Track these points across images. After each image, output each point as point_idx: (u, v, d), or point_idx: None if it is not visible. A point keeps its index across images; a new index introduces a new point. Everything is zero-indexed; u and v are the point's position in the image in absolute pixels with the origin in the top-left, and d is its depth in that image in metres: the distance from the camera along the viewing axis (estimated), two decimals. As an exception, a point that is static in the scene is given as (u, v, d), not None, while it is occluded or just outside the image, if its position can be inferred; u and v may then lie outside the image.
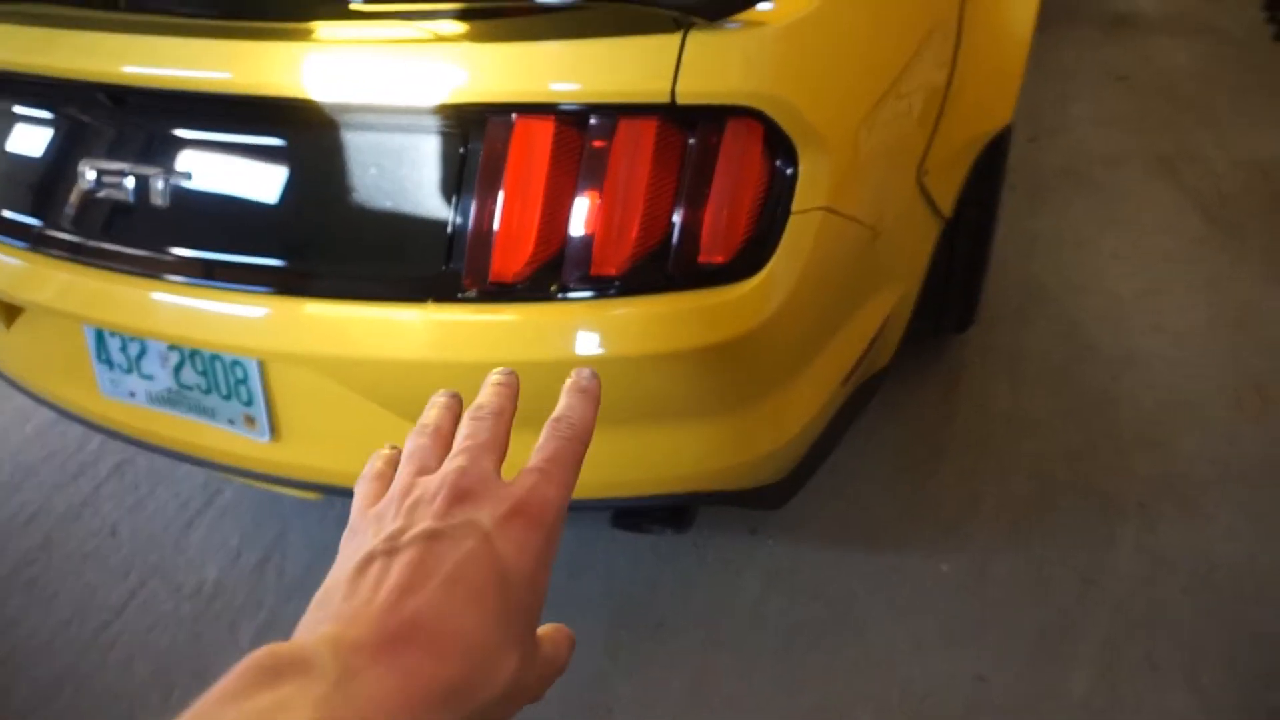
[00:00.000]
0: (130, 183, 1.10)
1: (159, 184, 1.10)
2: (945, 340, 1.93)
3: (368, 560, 0.41)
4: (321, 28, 0.99)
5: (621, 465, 1.16)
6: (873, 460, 1.72)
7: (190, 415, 1.25)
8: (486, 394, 0.50)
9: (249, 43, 1.02)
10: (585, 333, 1.00)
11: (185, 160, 1.09)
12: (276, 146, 1.06)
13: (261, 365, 1.16)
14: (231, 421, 1.23)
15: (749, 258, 0.99)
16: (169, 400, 1.25)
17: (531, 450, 0.46)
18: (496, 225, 0.99)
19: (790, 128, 0.96)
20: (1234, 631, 1.45)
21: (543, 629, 0.44)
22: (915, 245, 1.37)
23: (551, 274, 1.00)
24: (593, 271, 0.99)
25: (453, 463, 0.45)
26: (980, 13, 1.30)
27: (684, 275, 0.99)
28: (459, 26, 0.94)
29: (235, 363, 1.17)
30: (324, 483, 1.24)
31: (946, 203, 1.40)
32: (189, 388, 1.23)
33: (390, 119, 1.01)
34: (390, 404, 1.09)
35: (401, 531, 0.42)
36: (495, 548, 0.41)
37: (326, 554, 1.43)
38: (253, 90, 1.01)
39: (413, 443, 0.49)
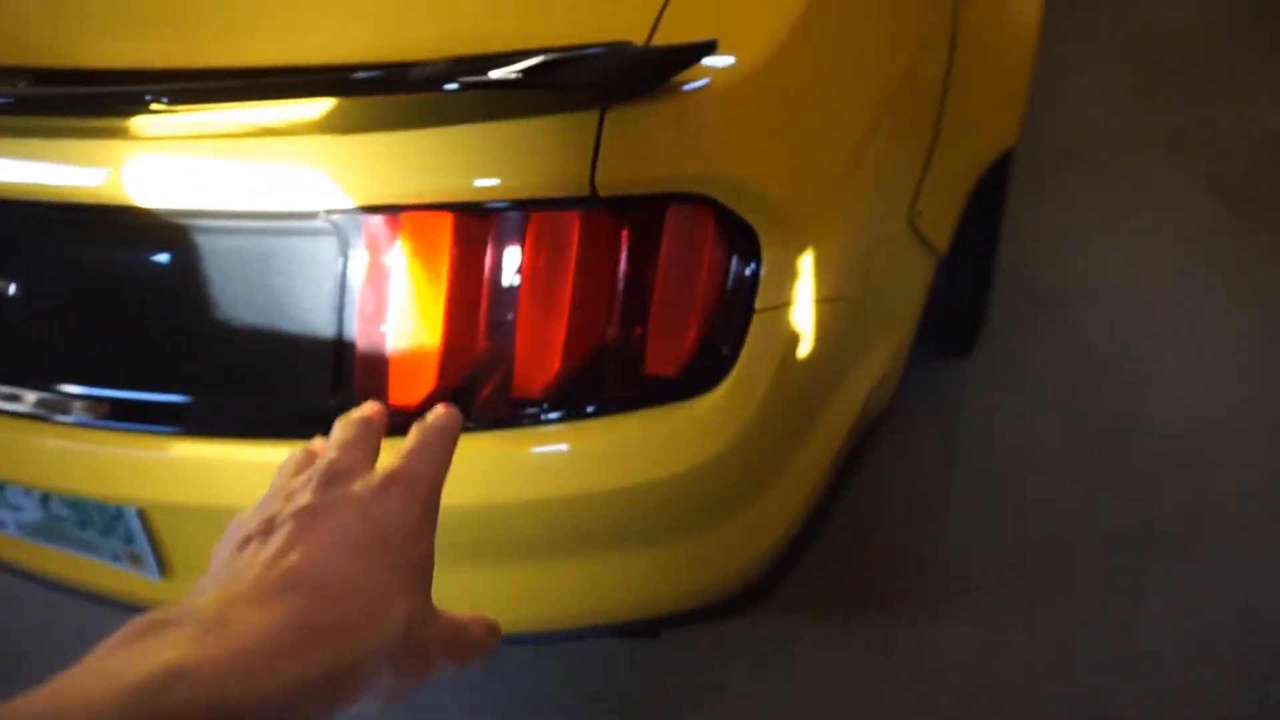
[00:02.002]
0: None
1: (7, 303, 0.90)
2: (944, 365, 1.74)
3: (244, 541, 0.41)
4: (160, 121, 0.78)
5: (578, 596, 0.99)
6: (866, 511, 1.54)
7: (69, 549, 1.07)
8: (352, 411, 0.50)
9: (90, 142, 0.81)
10: (504, 471, 0.82)
11: (22, 281, 0.89)
12: (134, 262, 0.86)
13: (140, 510, 0.97)
14: (115, 558, 1.04)
15: (706, 368, 0.80)
16: (43, 532, 1.07)
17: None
18: (390, 346, 0.80)
19: (745, 209, 0.76)
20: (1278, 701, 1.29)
21: (459, 612, 0.43)
22: (908, 292, 1.18)
23: (460, 401, 0.81)
24: (513, 394, 0.80)
25: (323, 458, 0.45)
26: (976, 23, 1.09)
27: (627, 394, 0.80)
28: (332, 113, 0.73)
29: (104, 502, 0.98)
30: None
31: (943, 238, 1.20)
32: (61, 519, 1.04)
33: (255, 224, 0.81)
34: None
35: (277, 513, 0.42)
36: (371, 511, 0.41)
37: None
38: (101, 199, 0.81)
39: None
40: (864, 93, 0.90)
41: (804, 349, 0.85)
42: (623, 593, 0.99)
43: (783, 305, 0.80)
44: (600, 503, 0.84)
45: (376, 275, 0.78)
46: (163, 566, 1.02)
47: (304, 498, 0.42)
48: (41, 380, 0.90)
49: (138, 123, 0.75)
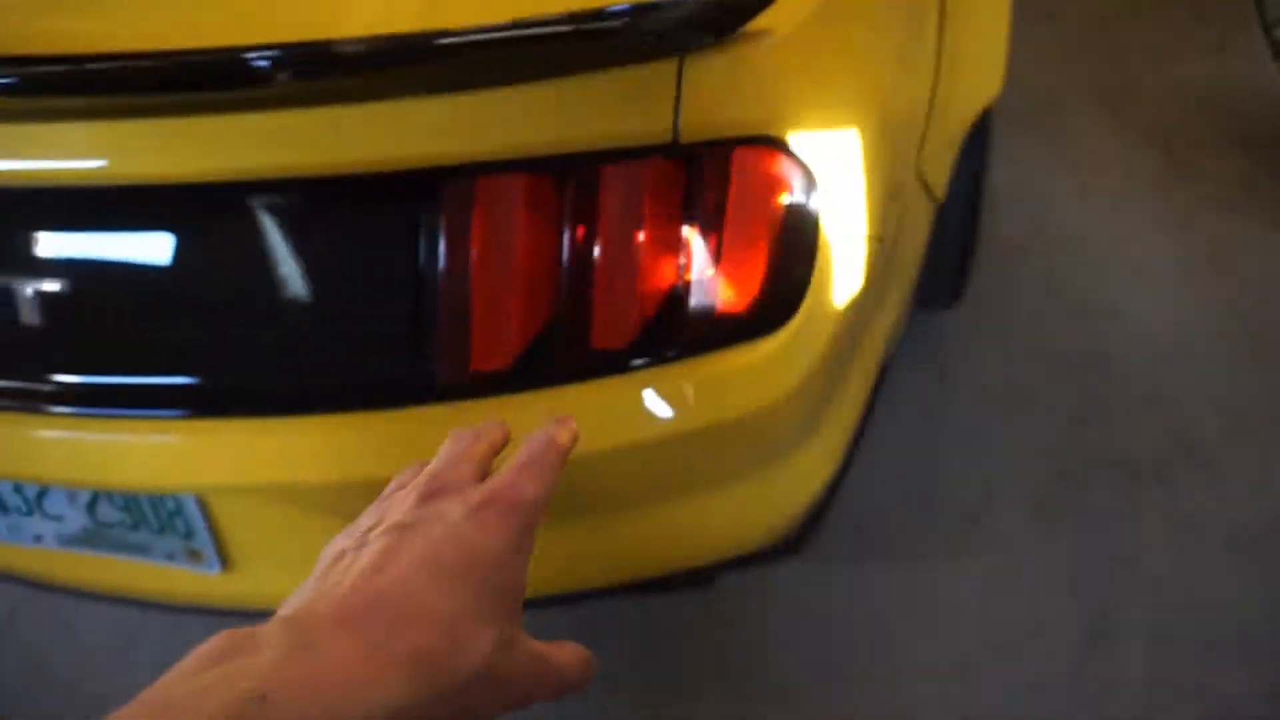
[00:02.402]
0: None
1: (34, 294, 0.88)
2: (932, 317, 1.82)
3: (337, 556, 0.41)
4: (231, 97, 0.78)
5: (645, 548, 1.01)
6: (873, 461, 1.61)
7: (116, 554, 1.05)
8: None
9: (138, 123, 0.80)
10: (587, 425, 0.84)
11: (70, 267, 0.88)
12: (192, 242, 0.85)
13: (200, 499, 0.96)
14: (170, 556, 1.03)
15: (777, 305, 0.84)
16: (87, 540, 1.05)
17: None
18: (471, 307, 0.81)
19: (805, 151, 0.80)
20: (1277, 595, 1.40)
21: (552, 642, 0.42)
22: (916, 238, 1.24)
23: (542, 356, 0.84)
24: (595, 345, 0.83)
25: (426, 471, 0.45)
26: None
27: (704, 335, 0.84)
28: (395, 80, 0.74)
29: (165, 497, 0.97)
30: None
31: (940, 186, 1.27)
32: (109, 525, 1.02)
33: (325, 192, 0.81)
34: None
35: (371, 528, 0.42)
36: (463, 532, 0.40)
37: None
38: (152, 178, 0.81)
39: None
40: (884, 45, 0.95)
41: (856, 285, 0.89)
42: (691, 540, 1.02)
43: (839, 242, 0.85)
44: (681, 446, 0.87)
45: (455, 236, 0.79)
46: (224, 559, 1.01)
47: (399, 513, 0.42)
48: (108, 372, 0.89)
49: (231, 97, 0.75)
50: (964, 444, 1.63)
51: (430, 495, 0.43)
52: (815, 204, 0.82)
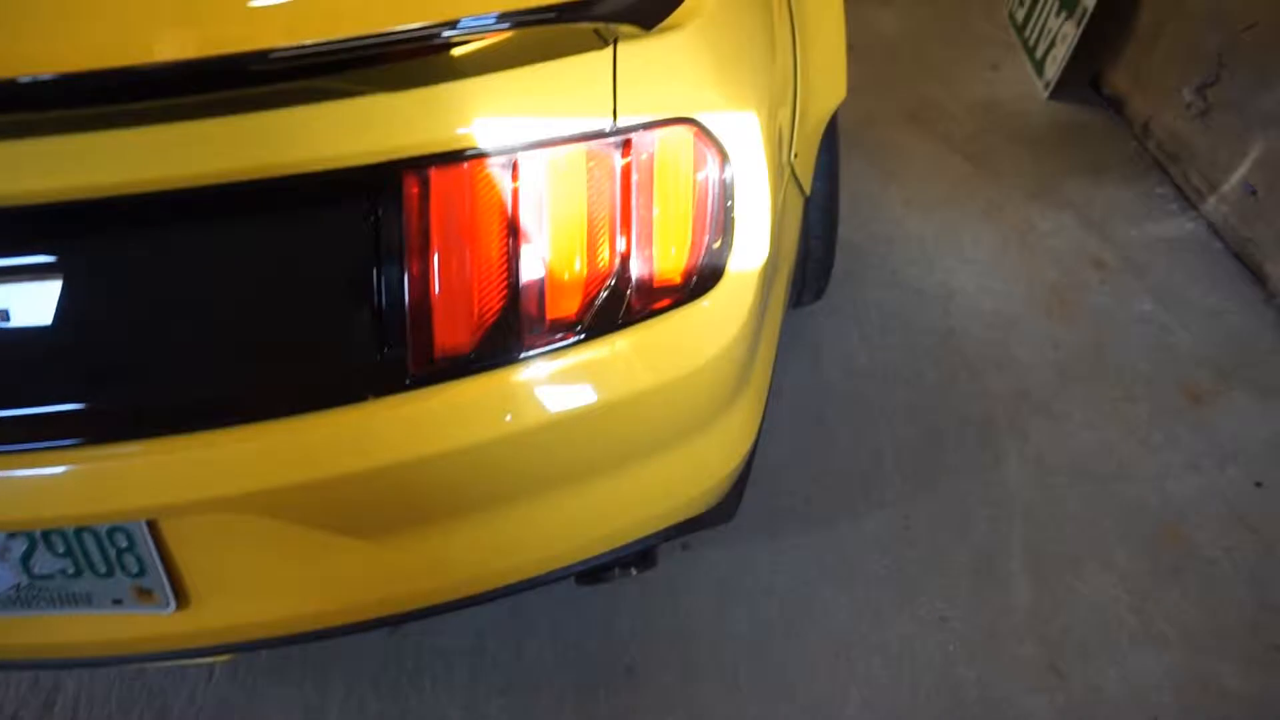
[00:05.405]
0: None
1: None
2: (799, 314, 1.99)
3: None
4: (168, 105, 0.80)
5: (596, 522, 1.07)
6: (771, 442, 1.74)
7: (54, 610, 1.00)
8: None
9: (66, 138, 0.81)
10: (554, 387, 0.91)
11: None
12: (143, 252, 0.86)
13: (151, 524, 0.94)
14: (117, 602, 0.99)
15: (707, 273, 0.95)
16: (20, 601, 0.99)
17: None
18: (434, 293, 0.87)
19: (720, 131, 0.92)
20: (1118, 509, 1.63)
21: None
22: (793, 227, 1.39)
23: (500, 338, 0.90)
24: (549, 318, 0.90)
25: None
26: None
27: (644, 305, 0.93)
28: (351, 78, 0.80)
29: (113, 531, 0.94)
30: (249, 640, 1.04)
31: (807, 181, 1.43)
32: (47, 578, 0.98)
33: (276, 192, 0.84)
34: (344, 525, 0.93)
35: None
36: None
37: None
38: (87, 192, 0.81)
39: None
40: (763, 44, 1.10)
41: (764, 250, 1.01)
42: (637, 510, 1.09)
43: (749, 211, 0.97)
44: (636, 408, 0.95)
45: (409, 226, 0.85)
46: (179, 594, 0.99)
47: None
48: (49, 399, 0.87)
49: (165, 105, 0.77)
50: (847, 421, 1.79)
51: None
52: (730, 177, 0.94)
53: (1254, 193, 2.09)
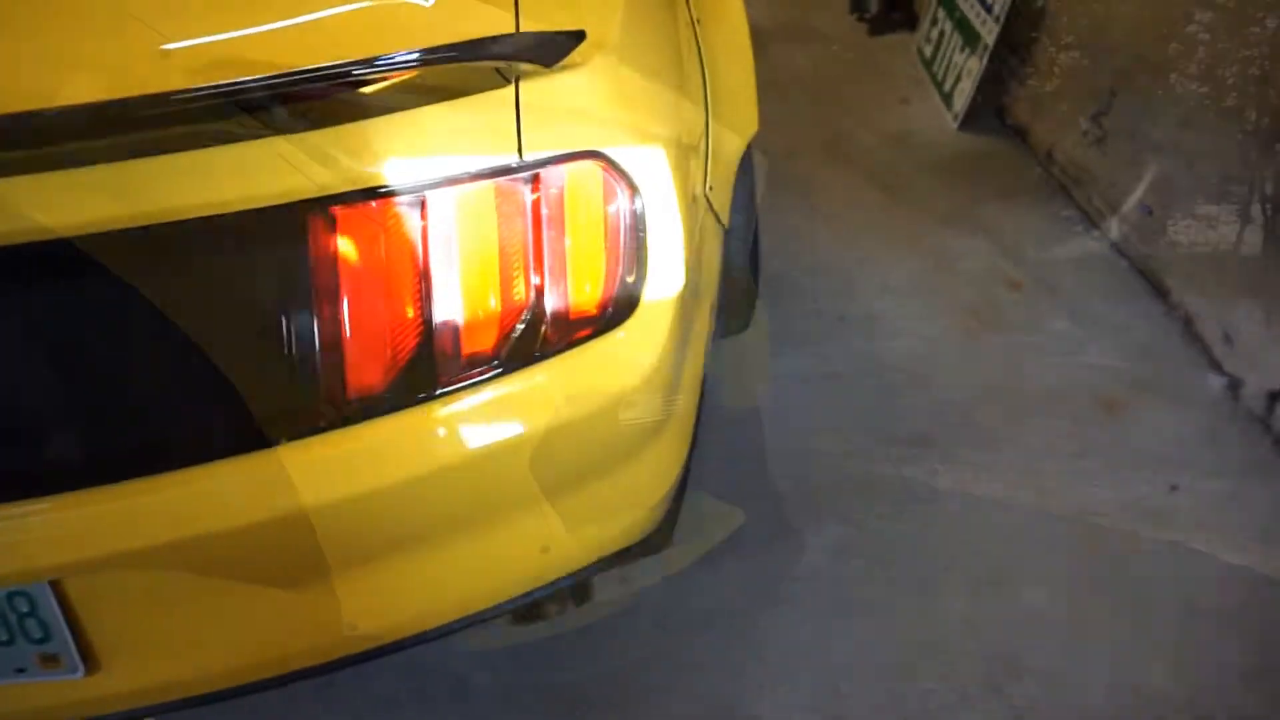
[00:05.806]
0: None
1: None
2: (726, 342, 2.02)
3: None
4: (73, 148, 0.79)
5: (525, 557, 1.06)
6: (696, 469, 1.75)
7: (-51, 686, 0.95)
8: None
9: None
10: (473, 423, 0.91)
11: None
12: (40, 303, 0.84)
13: (55, 585, 0.90)
14: (20, 670, 0.94)
15: (623, 304, 0.96)
16: (-88, 677, 0.94)
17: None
18: (345, 334, 0.86)
19: (628, 164, 0.94)
20: (1041, 520, 1.67)
21: None
22: (713, 258, 1.42)
23: (419, 372, 0.89)
24: (465, 353, 0.90)
25: None
26: (710, 38, 1.38)
27: (561, 337, 0.94)
28: (259, 117, 0.80)
29: (13, 595, 0.90)
30: (167, 700, 1.00)
31: (725, 214, 1.46)
32: (-58, 650, 0.93)
33: (183, 238, 0.83)
34: (260, 575, 0.90)
35: None
36: None
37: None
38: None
39: None
40: (671, 80, 1.13)
41: (680, 279, 1.03)
42: (563, 543, 1.08)
43: (662, 242, 0.98)
44: (558, 440, 0.95)
45: (318, 267, 0.84)
46: (88, 658, 0.95)
47: None
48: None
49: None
50: (777, 440, 1.81)
51: None
52: (640, 208, 0.96)
53: (1150, 213, 2.20)
